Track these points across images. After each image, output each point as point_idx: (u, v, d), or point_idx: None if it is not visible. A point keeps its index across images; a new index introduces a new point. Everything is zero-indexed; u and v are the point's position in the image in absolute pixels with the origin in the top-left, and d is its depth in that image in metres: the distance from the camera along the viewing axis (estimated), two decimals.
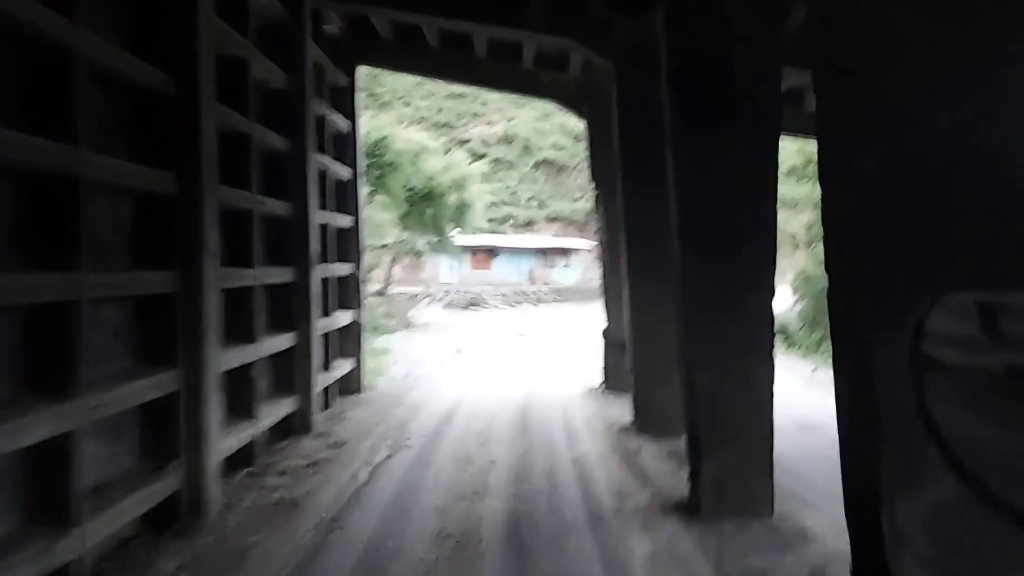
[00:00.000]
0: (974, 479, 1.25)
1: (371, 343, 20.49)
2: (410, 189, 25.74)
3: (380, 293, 25.92)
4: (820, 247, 4.14)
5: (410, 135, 25.86)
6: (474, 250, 37.11)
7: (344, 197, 11.23)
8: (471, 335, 23.83)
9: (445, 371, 15.13)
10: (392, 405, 10.43)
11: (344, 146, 11.23)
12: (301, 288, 8.53)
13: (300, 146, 8.56)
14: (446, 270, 36.28)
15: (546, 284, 38.41)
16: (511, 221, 41.94)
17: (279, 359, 8.02)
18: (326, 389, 9.69)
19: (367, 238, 21.54)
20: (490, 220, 41.88)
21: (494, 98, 52.19)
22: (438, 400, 11.04)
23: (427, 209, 26.63)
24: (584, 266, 41.19)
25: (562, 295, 38.14)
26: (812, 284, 24.57)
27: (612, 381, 11.51)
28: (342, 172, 10.91)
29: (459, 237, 37.57)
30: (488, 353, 19.24)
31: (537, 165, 46.43)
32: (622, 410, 9.61)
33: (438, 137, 44.44)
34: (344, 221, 11.00)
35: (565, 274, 39.53)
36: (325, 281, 9.92)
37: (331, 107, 10.39)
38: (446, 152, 29.97)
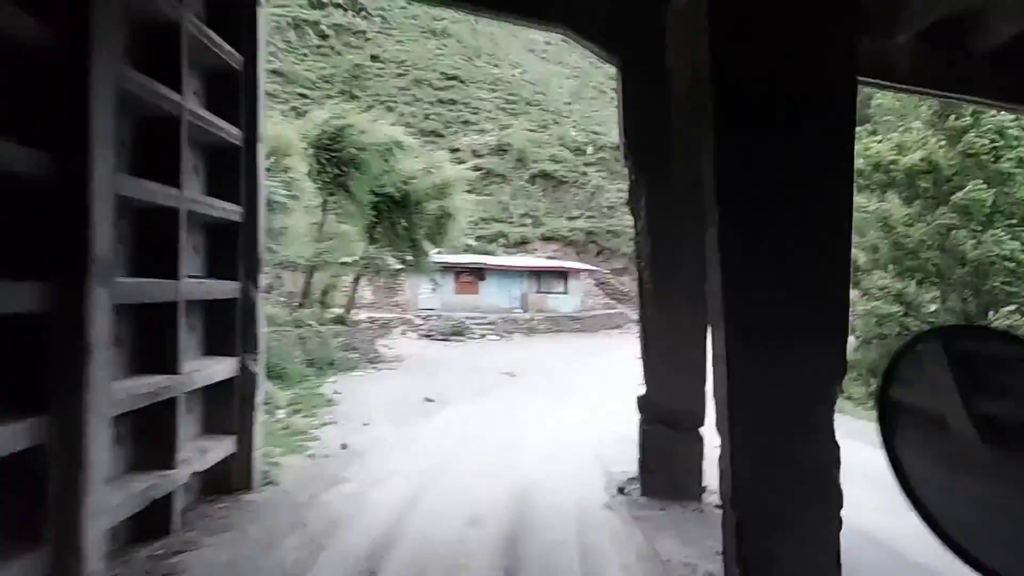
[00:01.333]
0: (940, 530, 1.26)
1: (318, 385, 16.31)
2: (379, 194, 21.57)
3: (340, 320, 21.61)
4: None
5: (381, 128, 21.66)
6: (459, 271, 32.92)
7: (227, 173, 6.99)
8: (450, 374, 19.58)
9: (402, 438, 10.82)
10: (282, 528, 6.12)
11: (229, 92, 7.01)
12: (59, 323, 4.26)
13: (79, 40, 4.34)
14: (426, 294, 32.06)
15: (541, 312, 34.20)
16: (502, 240, 37.86)
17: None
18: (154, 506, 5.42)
19: (288, 243, 17.49)
20: (478, 238, 37.78)
21: (487, 105, 48.40)
22: (369, 514, 6.73)
23: (400, 219, 22.43)
24: (583, 292, 37.01)
25: (559, 324, 33.91)
26: (874, 323, 20.46)
27: (657, 480, 7.27)
28: (222, 132, 6.70)
29: (441, 255, 33.51)
30: (467, 403, 14.99)
31: (533, 179, 42.45)
32: (690, 548, 5.42)
33: (423, 145, 40.46)
34: (224, 211, 6.76)
35: (562, 301, 35.37)
36: (170, 309, 5.71)
37: (199, 19, 6.26)
38: (426, 153, 25.78)
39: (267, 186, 8.33)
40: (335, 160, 19.71)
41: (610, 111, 61.45)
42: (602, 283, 38.63)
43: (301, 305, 20.86)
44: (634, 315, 40.10)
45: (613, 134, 52.98)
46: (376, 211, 21.89)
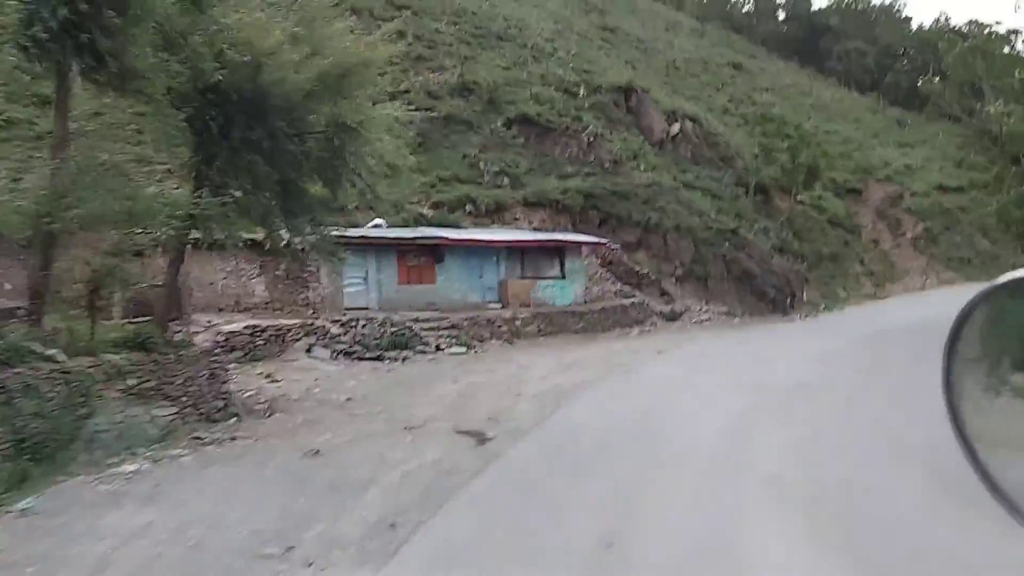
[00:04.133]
0: (1011, 504, 1.40)
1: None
2: (205, 86, 11.33)
3: (140, 343, 11.08)
4: None
5: None
6: (403, 249, 22.53)
7: None
8: (351, 441, 9.49)
9: None
10: None
11: None
12: None
13: None
14: (356, 285, 21.67)
15: (526, 306, 23.91)
16: (469, 207, 27.54)
17: None
18: None
19: None
20: (435, 205, 27.37)
21: (447, 39, 37.84)
22: None
23: (257, 141, 12.07)
24: (586, 275, 26.71)
25: (553, 324, 23.69)
26: None
27: None
28: None
29: (377, 227, 23.12)
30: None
31: (509, 124, 32.02)
32: None
33: None
34: None
35: (558, 289, 25.12)
36: None
37: None
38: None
39: None
40: None
41: (600, 55, 51.12)
42: (610, 263, 28.40)
43: (33, 317, 10.31)
44: (659, 305, 30.01)
45: (609, 76, 42.92)
46: (203, 122, 11.53)
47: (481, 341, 21.46)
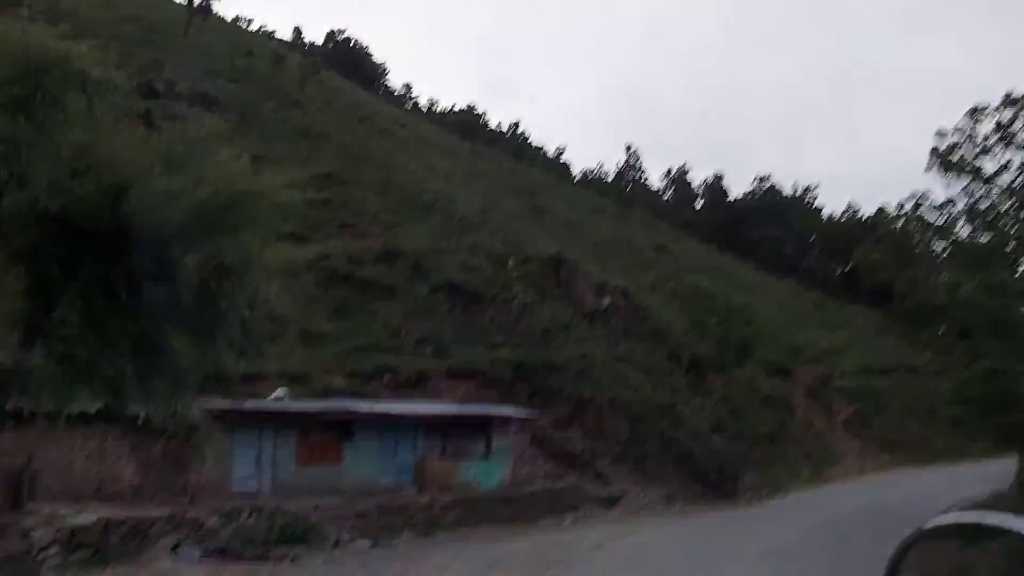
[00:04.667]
0: None
1: None
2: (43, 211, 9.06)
3: None
4: None
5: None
6: (305, 425, 19.70)
7: None
8: None
9: None
10: None
11: None
12: None
13: None
14: (246, 466, 18.55)
15: (447, 490, 20.99)
16: (388, 377, 25.10)
17: None
18: None
19: None
20: (351, 375, 24.83)
21: (373, 208, 36.94)
22: None
23: (108, 281, 9.75)
24: (515, 454, 24.12)
25: (477, 511, 20.77)
26: None
27: None
28: None
29: (280, 399, 20.46)
30: None
31: (434, 292, 30.31)
32: None
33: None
34: None
35: (483, 470, 22.34)
36: None
37: None
38: None
39: None
40: None
41: (529, 228, 51.18)
42: (541, 441, 25.95)
43: None
44: (595, 488, 27.28)
45: (538, 247, 42.46)
46: (39, 258, 9.18)
47: (392, 532, 18.29)
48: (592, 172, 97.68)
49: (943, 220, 25.66)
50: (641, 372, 32.12)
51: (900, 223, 27.18)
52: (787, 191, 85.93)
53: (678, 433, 28.34)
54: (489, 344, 29.13)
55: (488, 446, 22.81)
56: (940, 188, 26.44)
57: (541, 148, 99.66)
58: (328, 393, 23.07)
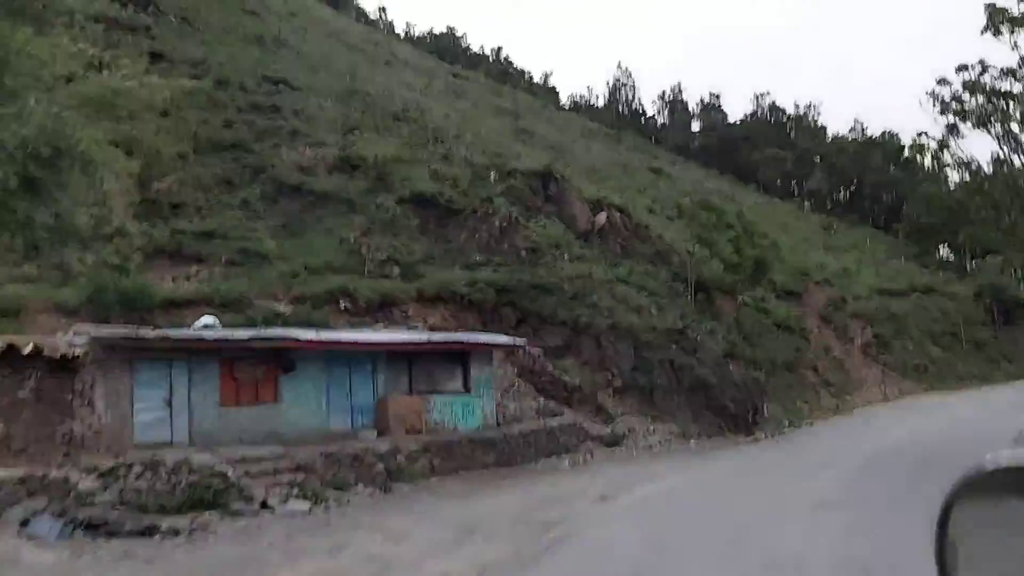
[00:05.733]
0: None
1: None
2: None
3: None
4: None
5: None
6: (230, 357, 15.59)
7: None
8: None
9: None
10: None
11: None
12: None
13: None
14: (154, 410, 14.50)
15: (416, 433, 17.06)
16: (346, 303, 20.96)
17: None
18: None
19: None
20: (297, 300, 20.65)
21: (332, 114, 32.26)
22: None
23: None
24: (503, 388, 20.21)
25: (455, 457, 16.92)
26: None
27: None
28: None
29: (205, 326, 16.37)
30: None
31: (401, 203, 25.93)
32: None
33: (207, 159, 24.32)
34: None
35: (461, 407, 18.36)
36: None
37: None
38: None
39: None
40: None
41: (513, 143, 46.23)
42: (531, 372, 22.01)
43: None
44: (595, 426, 23.47)
45: (524, 161, 37.95)
46: None
47: (341, 489, 14.37)
48: (582, 98, 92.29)
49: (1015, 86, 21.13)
50: (645, 295, 28.09)
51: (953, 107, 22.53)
52: (789, 110, 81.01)
53: (691, 360, 24.40)
54: (468, 264, 24.97)
55: (466, 379, 18.81)
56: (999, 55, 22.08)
57: (527, 72, 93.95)
58: (269, 322, 18.93)
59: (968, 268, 63.14)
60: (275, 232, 23.31)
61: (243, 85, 32.15)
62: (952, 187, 67.97)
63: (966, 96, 21.44)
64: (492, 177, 31.16)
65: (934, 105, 22.07)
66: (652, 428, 22.13)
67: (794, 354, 35.17)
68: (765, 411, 26.82)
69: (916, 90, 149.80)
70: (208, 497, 12.48)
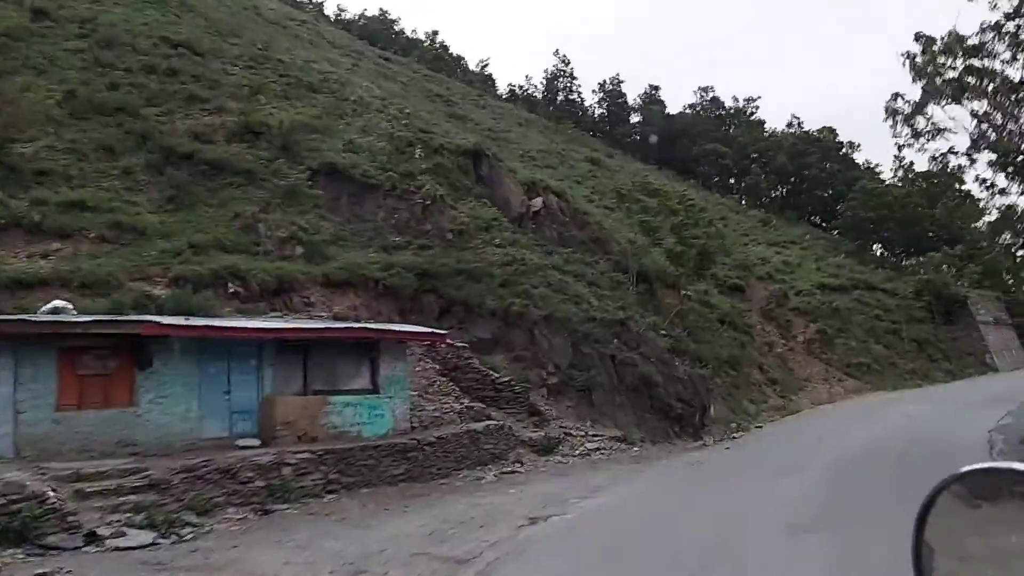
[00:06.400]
0: None
1: None
2: None
3: None
4: None
5: None
6: (72, 347, 12.52)
7: None
8: None
9: None
10: None
11: None
12: None
13: None
14: None
15: (310, 440, 14.22)
16: (234, 286, 17.95)
17: None
18: None
19: None
20: (176, 280, 17.52)
21: (237, 80, 29.05)
22: None
23: None
24: (420, 387, 17.53)
25: (356, 471, 14.14)
26: None
27: None
28: None
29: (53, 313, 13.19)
30: None
31: (312, 177, 22.97)
32: None
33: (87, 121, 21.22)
34: None
35: (366, 412, 15.57)
36: None
37: None
38: None
39: None
40: None
41: (443, 121, 43.25)
42: (455, 369, 19.37)
43: None
44: (527, 430, 20.83)
45: (455, 139, 35.22)
46: None
47: (207, 512, 11.49)
48: (521, 88, 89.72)
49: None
50: (583, 284, 25.78)
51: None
52: (728, 103, 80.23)
53: (633, 355, 22.15)
54: (385, 246, 22.20)
55: (374, 377, 16.04)
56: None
57: (463, 59, 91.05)
58: (141, 307, 15.85)
59: (903, 265, 63.19)
60: (159, 205, 20.12)
61: (135, 46, 28.62)
62: (888, 181, 68.41)
63: (942, 59, 19.71)
64: (417, 153, 28.39)
65: (911, 70, 20.29)
66: (591, 432, 19.76)
67: (739, 351, 33.40)
68: (712, 412, 24.79)
69: (856, 84, 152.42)
70: (15, 527, 9.51)
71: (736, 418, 26.24)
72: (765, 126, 79.78)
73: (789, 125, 77.57)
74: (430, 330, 17.42)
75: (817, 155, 72.49)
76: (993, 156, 20.37)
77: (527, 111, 77.13)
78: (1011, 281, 63.20)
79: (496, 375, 19.55)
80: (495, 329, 21.46)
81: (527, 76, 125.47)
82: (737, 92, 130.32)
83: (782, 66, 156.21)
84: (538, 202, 31.17)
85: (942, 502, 1.76)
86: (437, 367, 19.46)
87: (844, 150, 75.85)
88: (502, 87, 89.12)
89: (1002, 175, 21.06)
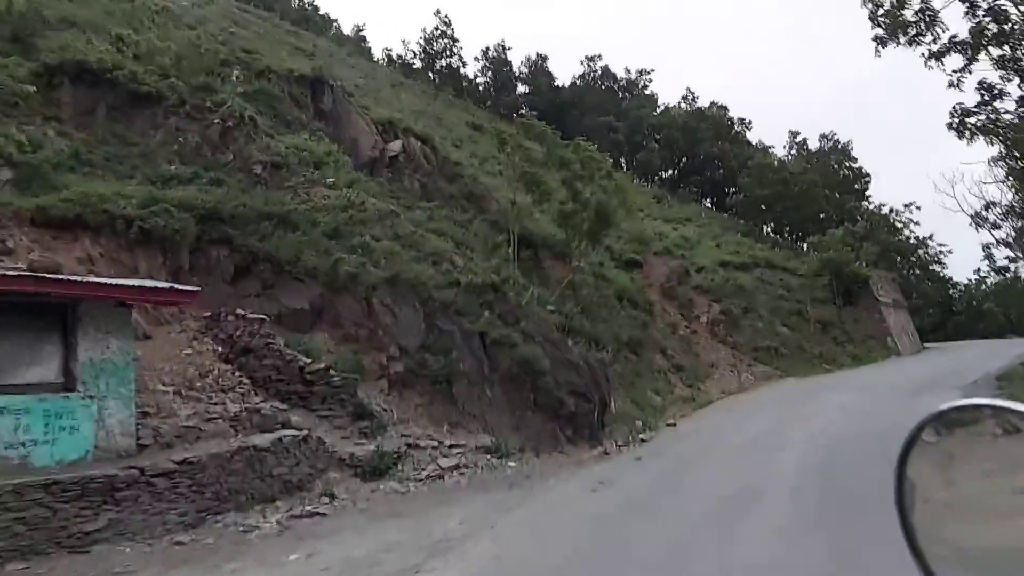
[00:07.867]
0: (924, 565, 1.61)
1: None
2: None
3: None
4: None
5: None
6: None
7: None
8: None
9: None
10: None
11: None
12: None
13: None
14: None
15: None
16: None
17: None
18: None
19: None
20: None
21: None
22: None
23: None
24: (190, 376, 11.08)
25: (3, 530, 7.57)
26: None
27: None
28: None
29: None
30: None
31: (44, 75, 16.01)
32: None
33: None
34: None
35: (42, 422, 9.16)
36: None
37: None
38: None
39: None
40: None
41: (288, 51, 35.80)
42: (247, 350, 13.01)
43: None
44: (349, 441, 14.46)
45: (290, 63, 28.17)
46: None
47: None
48: (399, 56, 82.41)
49: None
50: (447, 241, 19.89)
51: None
52: (620, 75, 76.11)
53: (511, 333, 16.38)
54: (156, 177, 15.53)
55: (67, 362, 9.56)
56: None
57: (335, 20, 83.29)
58: None
59: (798, 246, 61.09)
60: None
61: None
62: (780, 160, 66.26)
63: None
64: (234, 74, 21.70)
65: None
66: (448, 442, 13.85)
67: (641, 332, 28.40)
68: (614, 407, 19.45)
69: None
70: None
71: (641, 414, 21.00)
72: (659, 100, 76.25)
73: (684, 99, 74.22)
74: (169, 285, 11.00)
75: (710, 131, 69.43)
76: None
77: (404, 77, 70.48)
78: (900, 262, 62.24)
79: (307, 361, 13.30)
80: (316, 297, 15.24)
81: (403, 41, 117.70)
82: (630, 64, 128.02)
83: (678, 37, 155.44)
84: (396, 145, 25.06)
85: (924, 439, 1.79)
86: (219, 349, 13.08)
87: (736, 128, 73.25)
88: (379, 52, 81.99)
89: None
